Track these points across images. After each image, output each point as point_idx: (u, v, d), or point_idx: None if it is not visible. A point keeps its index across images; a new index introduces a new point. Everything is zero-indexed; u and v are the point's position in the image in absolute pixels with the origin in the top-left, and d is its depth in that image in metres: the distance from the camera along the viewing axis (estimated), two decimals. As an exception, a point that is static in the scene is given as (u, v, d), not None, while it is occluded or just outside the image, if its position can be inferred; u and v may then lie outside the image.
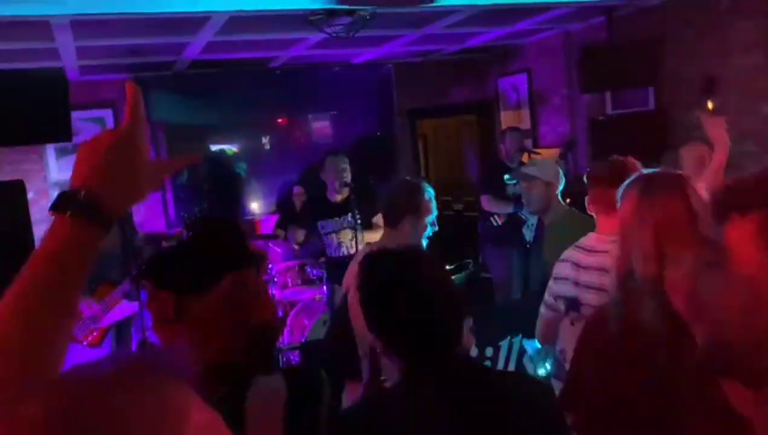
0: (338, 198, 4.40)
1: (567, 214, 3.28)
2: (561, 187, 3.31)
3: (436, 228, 2.88)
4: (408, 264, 1.42)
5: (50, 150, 5.70)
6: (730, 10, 4.41)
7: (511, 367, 3.77)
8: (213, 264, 1.23)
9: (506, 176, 3.77)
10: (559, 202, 3.33)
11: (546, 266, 3.30)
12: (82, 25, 3.73)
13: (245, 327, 1.22)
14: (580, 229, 2.64)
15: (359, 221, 4.11)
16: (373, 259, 1.47)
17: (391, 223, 2.80)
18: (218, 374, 1.18)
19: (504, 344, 3.73)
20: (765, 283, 0.87)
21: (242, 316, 1.22)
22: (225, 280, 1.21)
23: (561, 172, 3.36)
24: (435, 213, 2.86)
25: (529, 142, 5.88)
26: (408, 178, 3.07)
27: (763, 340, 0.88)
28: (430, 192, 2.86)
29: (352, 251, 4.30)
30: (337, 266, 4.45)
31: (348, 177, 4.35)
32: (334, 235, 4.44)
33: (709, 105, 4.65)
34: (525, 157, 5.34)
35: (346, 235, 4.32)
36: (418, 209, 2.77)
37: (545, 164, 3.44)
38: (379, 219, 4.28)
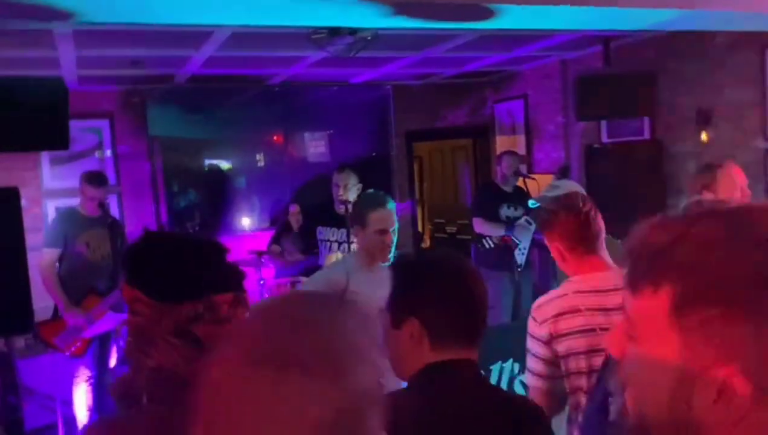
0: (341, 211, 4.44)
1: None
2: None
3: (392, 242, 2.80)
4: (452, 255, 1.52)
5: (45, 158, 5.68)
6: (725, 44, 4.49)
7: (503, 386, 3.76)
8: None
9: (530, 201, 3.72)
10: None
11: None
12: (85, 35, 3.74)
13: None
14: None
15: (353, 240, 4.13)
16: (412, 254, 1.56)
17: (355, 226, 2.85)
18: None
19: (495, 368, 3.72)
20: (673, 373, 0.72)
21: None
22: None
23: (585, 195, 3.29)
24: (391, 227, 2.80)
25: (523, 168, 5.92)
26: (371, 191, 3.06)
27: None
28: (382, 210, 2.78)
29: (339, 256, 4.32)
30: None
31: (348, 196, 4.37)
32: (328, 244, 4.46)
33: (703, 136, 4.71)
34: (520, 182, 5.37)
35: (335, 248, 4.35)
36: (364, 220, 2.77)
37: (566, 186, 3.38)
38: None
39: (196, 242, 1.35)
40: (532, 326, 2.13)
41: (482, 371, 3.66)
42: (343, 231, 4.37)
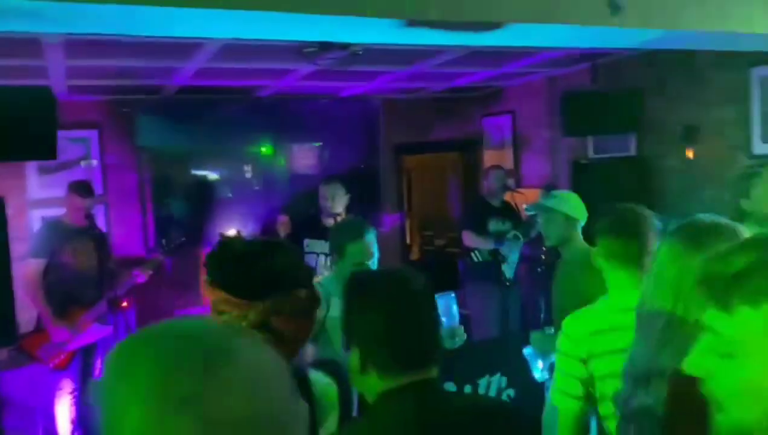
0: (330, 222, 4.44)
1: (585, 253, 2.99)
2: (583, 223, 3.17)
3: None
4: (395, 277, 1.45)
5: (32, 168, 5.64)
6: (712, 62, 4.55)
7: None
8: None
9: (525, 207, 3.73)
10: (580, 238, 3.17)
11: (560, 307, 3.14)
12: (74, 45, 3.73)
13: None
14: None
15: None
16: (360, 274, 1.54)
17: (336, 254, 2.84)
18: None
19: (482, 382, 3.72)
20: None
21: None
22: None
23: (584, 207, 3.22)
24: (374, 257, 2.77)
25: (511, 182, 5.96)
26: (352, 217, 3.08)
27: None
28: (367, 236, 2.75)
29: (325, 274, 4.32)
30: None
31: (336, 207, 4.39)
32: (315, 256, 4.47)
33: (689, 153, 4.77)
34: (508, 196, 5.41)
35: (322, 259, 4.36)
36: (342, 251, 2.74)
37: (565, 197, 3.27)
38: None
39: (272, 243, 1.46)
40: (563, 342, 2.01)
41: (469, 385, 3.69)
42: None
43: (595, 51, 4.63)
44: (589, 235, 2.63)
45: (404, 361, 1.33)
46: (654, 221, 2.12)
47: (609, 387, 1.87)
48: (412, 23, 2.53)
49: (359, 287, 1.42)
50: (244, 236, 1.62)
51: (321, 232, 4.44)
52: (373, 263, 2.78)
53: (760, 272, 0.80)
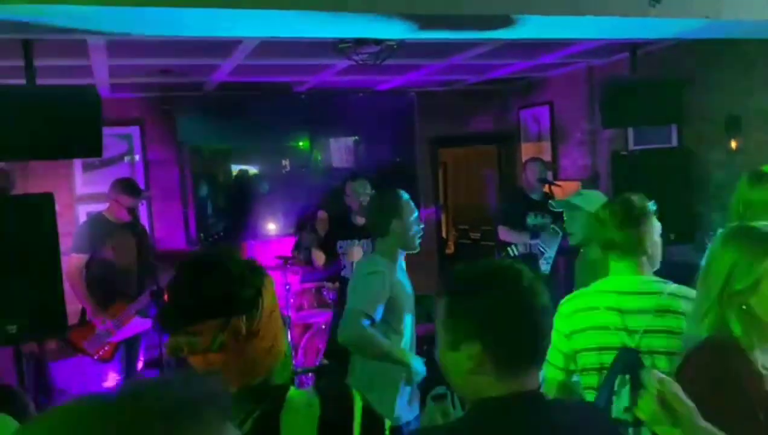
0: (360, 221, 4.45)
1: None
2: None
3: (422, 225, 3.00)
4: (513, 268, 1.34)
5: (77, 164, 5.80)
6: (754, 51, 4.43)
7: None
8: (252, 284, 1.32)
9: (551, 202, 3.72)
10: None
11: None
12: (117, 45, 3.83)
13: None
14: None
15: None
16: (465, 268, 1.37)
17: (378, 232, 2.93)
18: (253, 394, 1.24)
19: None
20: None
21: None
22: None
23: None
24: (416, 212, 2.97)
25: (550, 175, 5.89)
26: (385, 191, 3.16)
27: None
28: (405, 194, 2.98)
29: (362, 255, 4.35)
30: (346, 285, 4.50)
31: (363, 202, 4.41)
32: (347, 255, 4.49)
33: (733, 144, 4.65)
34: (546, 189, 5.35)
35: (356, 250, 4.37)
36: (401, 211, 2.89)
37: (592, 195, 3.30)
38: None
39: (185, 269, 1.35)
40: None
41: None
42: (364, 241, 4.38)
43: (634, 40, 4.54)
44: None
45: (525, 358, 1.26)
46: (651, 209, 2.24)
47: (587, 360, 2.14)
48: (432, 21, 2.53)
49: (477, 275, 1.32)
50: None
51: (351, 232, 4.46)
52: (419, 233, 2.93)
53: None
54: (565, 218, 3.37)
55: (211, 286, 1.28)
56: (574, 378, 2.22)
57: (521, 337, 1.26)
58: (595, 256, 3.13)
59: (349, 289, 2.88)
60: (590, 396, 2.10)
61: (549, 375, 2.22)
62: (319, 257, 4.77)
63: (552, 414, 1.31)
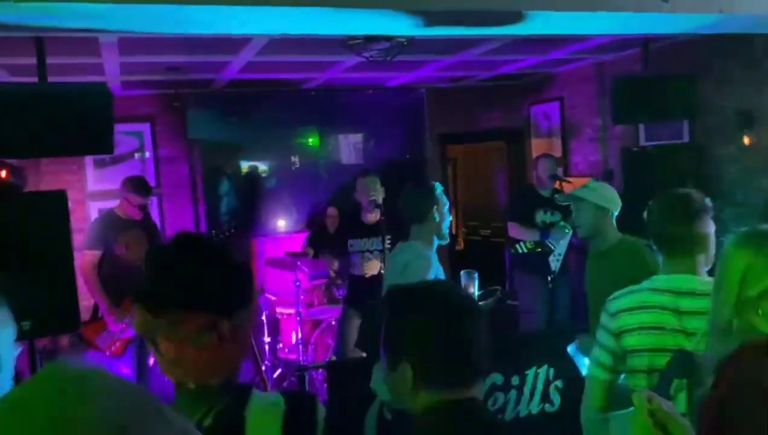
0: (371, 219, 4.44)
1: (618, 243, 3.11)
2: (616, 213, 3.18)
3: (452, 217, 3.24)
4: (440, 289, 1.44)
5: (88, 161, 5.84)
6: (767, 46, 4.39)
7: (537, 397, 3.73)
8: (249, 287, 1.32)
9: (556, 196, 3.73)
10: (613, 228, 3.17)
11: (591, 298, 3.20)
12: (128, 42, 3.85)
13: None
14: (630, 260, 2.54)
15: (388, 245, 4.14)
16: (400, 289, 1.48)
17: (418, 218, 3.10)
18: (213, 391, 1.24)
19: (530, 373, 3.71)
20: None
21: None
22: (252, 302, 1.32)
23: (617, 196, 3.24)
24: (447, 204, 3.17)
25: (560, 171, 5.86)
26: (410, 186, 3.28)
27: None
28: (440, 186, 3.22)
29: (374, 272, 4.35)
30: (356, 285, 4.50)
31: (378, 198, 4.40)
32: (360, 254, 4.48)
33: (745, 139, 4.62)
34: (557, 185, 5.32)
35: (372, 258, 4.36)
36: (438, 202, 3.10)
37: (597, 187, 3.29)
38: None
39: (184, 252, 1.31)
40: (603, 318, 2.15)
41: (517, 376, 3.68)
42: (375, 239, 4.37)
43: (647, 36, 4.51)
44: (637, 223, 2.61)
45: (453, 378, 1.32)
46: (708, 205, 2.14)
47: (637, 361, 2.04)
48: (438, 16, 2.52)
49: (410, 301, 1.40)
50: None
51: (361, 231, 4.45)
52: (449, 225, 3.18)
53: None
54: (572, 211, 3.35)
55: (214, 280, 1.24)
56: (620, 379, 2.14)
57: (448, 356, 1.32)
58: (606, 248, 3.12)
59: (391, 276, 2.98)
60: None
61: (594, 374, 2.14)
62: (332, 264, 4.79)
63: (484, 420, 1.37)
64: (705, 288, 1.99)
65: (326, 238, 4.99)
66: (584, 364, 3.00)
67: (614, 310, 2.10)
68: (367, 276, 4.42)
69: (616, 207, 3.18)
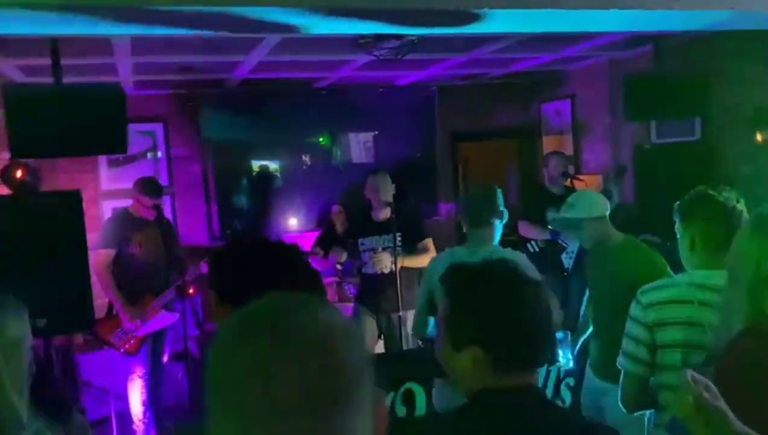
0: (381, 217, 4.43)
1: (621, 242, 3.09)
2: (608, 212, 3.15)
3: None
4: (510, 269, 1.41)
5: (102, 161, 5.89)
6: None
7: (548, 394, 3.74)
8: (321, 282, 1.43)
9: (550, 222, 3.69)
10: (612, 228, 3.14)
11: (592, 295, 3.23)
12: (141, 43, 3.88)
13: None
14: (635, 259, 2.53)
15: (399, 243, 4.14)
16: (464, 269, 1.46)
17: (479, 224, 3.09)
18: None
19: (542, 371, 3.71)
20: None
21: None
22: None
23: (601, 197, 3.22)
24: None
25: (571, 168, 5.84)
26: (480, 187, 3.27)
27: None
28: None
29: (386, 271, 4.32)
30: (369, 284, 4.49)
31: (389, 196, 4.38)
32: (371, 252, 4.46)
33: (758, 137, 4.59)
34: (568, 183, 5.31)
35: (384, 256, 4.33)
36: (501, 212, 3.16)
37: (578, 201, 3.21)
38: (426, 244, 4.32)
39: (256, 244, 1.41)
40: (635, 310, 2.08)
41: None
42: (386, 237, 4.34)
43: (659, 33, 4.49)
44: (649, 220, 2.61)
45: (522, 360, 1.33)
46: (738, 202, 2.13)
47: (668, 357, 1.98)
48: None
49: (477, 280, 1.39)
50: (248, 239, 1.55)
51: (372, 229, 4.44)
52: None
53: None
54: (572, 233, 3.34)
55: (297, 260, 1.34)
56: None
57: (520, 340, 1.32)
58: (608, 247, 3.07)
59: None
60: (666, 395, 1.98)
61: (630, 370, 2.06)
62: (340, 256, 4.76)
63: (545, 410, 1.36)
64: None
65: (336, 238, 4.99)
66: (567, 357, 3.11)
67: (647, 302, 2.04)
68: (378, 274, 4.41)
69: (606, 208, 3.13)
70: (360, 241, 4.49)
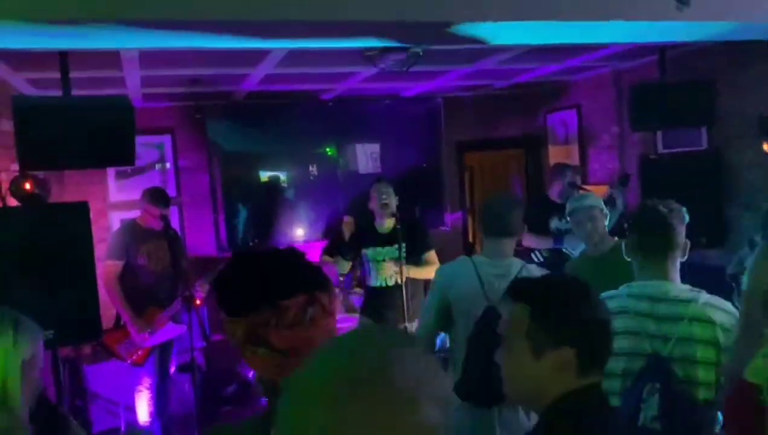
0: (385, 227, 4.41)
1: (614, 247, 3.26)
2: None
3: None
4: (577, 280, 1.51)
5: (110, 172, 5.93)
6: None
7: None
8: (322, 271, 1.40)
9: (567, 212, 3.74)
10: (607, 236, 3.39)
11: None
12: (149, 56, 3.92)
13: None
14: (627, 265, 2.57)
15: (404, 254, 4.11)
16: (541, 281, 1.58)
17: (508, 233, 2.90)
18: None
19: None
20: None
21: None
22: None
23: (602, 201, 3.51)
24: None
25: (577, 179, 5.84)
26: (506, 196, 3.23)
27: None
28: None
29: (391, 283, 4.30)
30: (374, 296, 4.46)
31: (391, 204, 4.35)
32: (375, 263, 4.43)
33: (765, 147, 4.57)
34: (575, 194, 5.30)
35: (389, 267, 4.31)
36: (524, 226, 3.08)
37: (595, 197, 3.49)
38: (431, 256, 4.29)
39: (255, 255, 1.41)
40: None
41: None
42: (390, 248, 4.30)
43: (664, 43, 4.49)
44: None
45: (604, 359, 1.40)
46: (682, 215, 2.22)
47: (613, 364, 2.01)
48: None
49: (556, 287, 1.47)
50: (247, 251, 1.56)
51: (376, 240, 4.41)
52: None
53: None
54: (588, 223, 3.45)
55: (298, 263, 1.34)
56: None
57: (604, 338, 1.39)
58: (601, 252, 3.31)
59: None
60: (613, 401, 2.07)
61: None
62: (342, 265, 4.73)
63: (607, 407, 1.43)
64: (681, 295, 2.09)
65: (343, 247, 4.98)
66: None
67: None
68: (382, 286, 4.38)
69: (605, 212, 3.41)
70: (363, 251, 4.47)
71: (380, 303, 4.37)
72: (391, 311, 4.25)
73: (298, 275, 1.31)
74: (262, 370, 1.30)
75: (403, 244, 4.06)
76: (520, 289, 1.47)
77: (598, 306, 1.42)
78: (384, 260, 4.30)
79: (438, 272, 3.03)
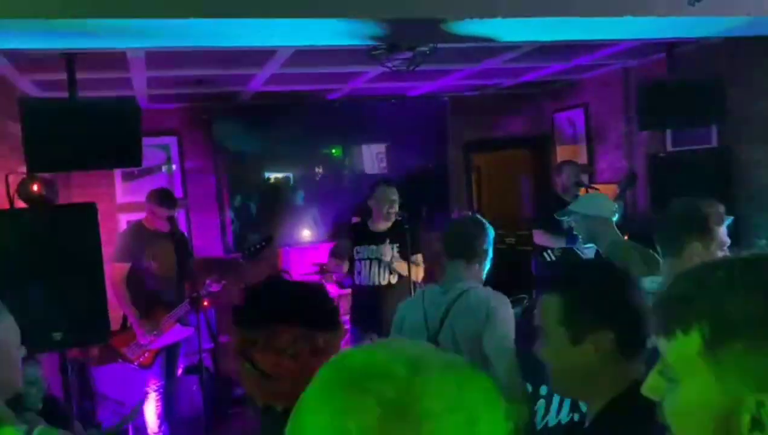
0: (379, 227, 4.42)
1: (608, 246, 3.21)
2: (614, 218, 3.32)
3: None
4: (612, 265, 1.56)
5: (117, 174, 5.93)
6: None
7: (566, 407, 3.67)
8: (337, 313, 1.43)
9: (556, 214, 3.71)
10: (612, 233, 3.24)
11: None
12: (155, 56, 3.91)
13: None
14: (643, 263, 2.58)
15: (395, 251, 4.18)
16: (577, 265, 1.59)
17: (465, 256, 2.71)
18: None
19: (543, 389, 3.64)
20: None
21: None
22: None
23: (607, 202, 3.41)
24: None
25: (585, 177, 5.81)
26: (471, 218, 3.00)
27: None
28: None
29: (377, 282, 4.32)
30: (360, 294, 4.47)
31: (393, 207, 4.37)
32: (365, 262, 4.43)
33: (776, 144, 4.53)
34: (582, 192, 5.28)
35: (378, 267, 4.34)
36: (484, 251, 2.73)
37: (586, 198, 3.53)
38: (418, 258, 4.34)
39: (286, 281, 1.50)
40: None
41: (546, 386, 3.63)
42: (381, 247, 4.31)
43: (675, 40, 4.46)
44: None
45: (645, 337, 1.36)
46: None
47: None
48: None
49: (592, 271, 1.51)
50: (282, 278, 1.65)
51: (368, 238, 4.43)
52: None
53: (694, 298, 0.82)
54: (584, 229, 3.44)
55: (314, 298, 1.36)
56: None
57: (642, 320, 1.35)
58: (605, 247, 3.22)
59: (471, 324, 2.63)
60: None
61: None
62: (344, 265, 4.72)
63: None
64: None
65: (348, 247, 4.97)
66: None
67: None
68: (373, 285, 4.38)
69: (607, 212, 3.27)
70: (356, 249, 4.47)
71: (367, 305, 4.35)
72: (379, 311, 4.20)
73: (305, 308, 1.34)
74: (247, 386, 1.35)
75: (396, 245, 4.14)
76: (554, 277, 1.50)
77: (630, 288, 1.40)
78: (375, 259, 4.33)
79: (397, 308, 2.89)
